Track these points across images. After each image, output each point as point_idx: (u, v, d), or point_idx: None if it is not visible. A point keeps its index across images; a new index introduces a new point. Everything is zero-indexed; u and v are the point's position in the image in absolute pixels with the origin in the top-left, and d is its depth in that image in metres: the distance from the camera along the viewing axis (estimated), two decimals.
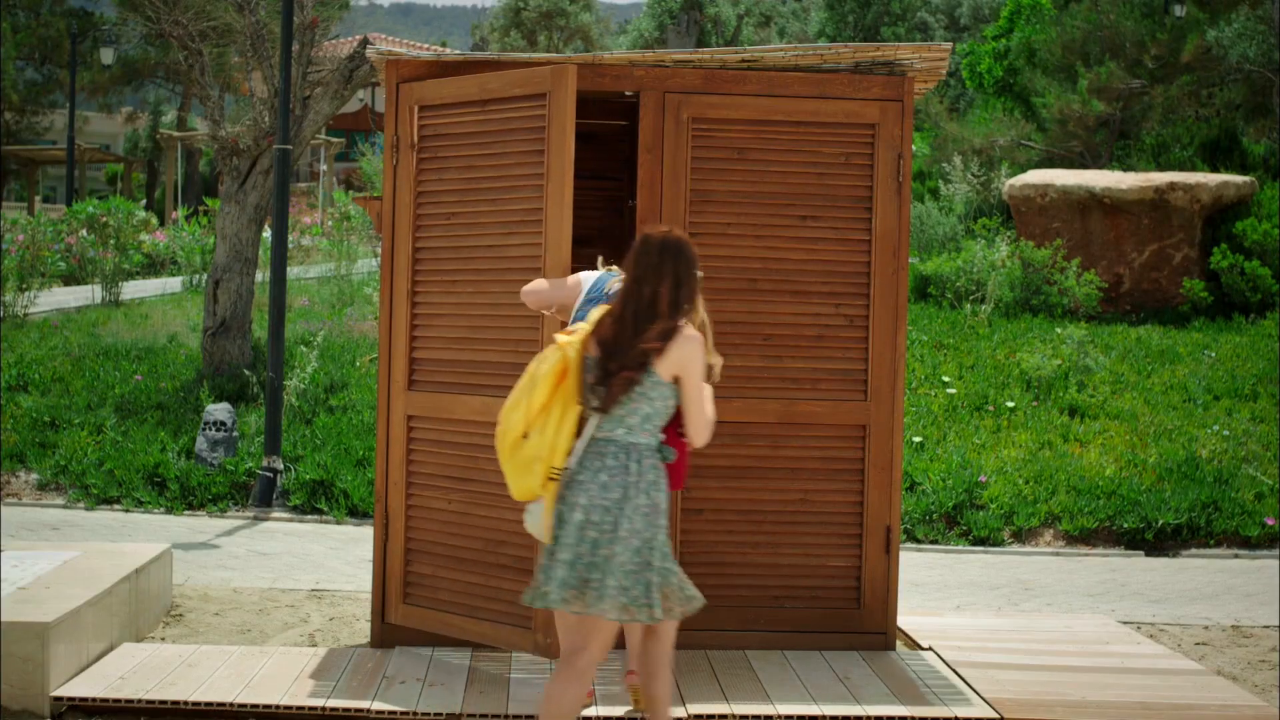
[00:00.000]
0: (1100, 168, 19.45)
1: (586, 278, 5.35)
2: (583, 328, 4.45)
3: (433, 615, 5.88)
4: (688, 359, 4.30)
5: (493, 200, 5.74)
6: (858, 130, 6.02)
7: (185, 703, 5.22)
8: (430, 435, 5.91)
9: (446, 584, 5.86)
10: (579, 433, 4.39)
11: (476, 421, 5.71)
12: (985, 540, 9.67)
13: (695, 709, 5.24)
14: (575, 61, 5.68)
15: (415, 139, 5.93)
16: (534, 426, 4.35)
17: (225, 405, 10.60)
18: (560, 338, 4.43)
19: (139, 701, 5.23)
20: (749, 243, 5.95)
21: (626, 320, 4.32)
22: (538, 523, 4.45)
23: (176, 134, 32.41)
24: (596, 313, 4.49)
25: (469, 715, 5.17)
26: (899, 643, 6.23)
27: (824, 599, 6.05)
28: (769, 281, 5.97)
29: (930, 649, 6.21)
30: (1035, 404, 11.77)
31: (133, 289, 17.97)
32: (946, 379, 12.38)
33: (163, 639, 6.39)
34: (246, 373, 11.83)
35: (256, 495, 10.02)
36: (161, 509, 9.94)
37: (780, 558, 6.02)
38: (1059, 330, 13.45)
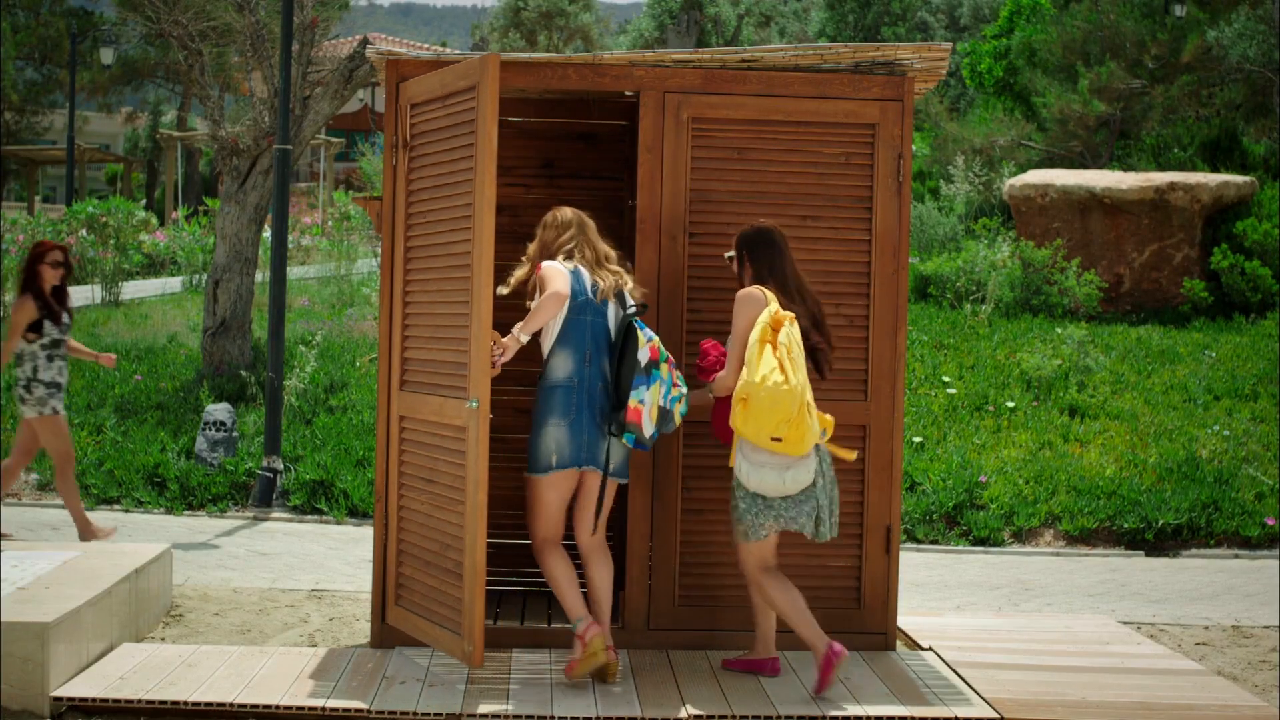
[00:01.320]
0: (1100, 168, 19.45)
1: (560, 277, 5.43)
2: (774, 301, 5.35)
3: (410, 618, 5.86)
4: None
5: (448, 197, 5.67)
6: (858, 130, 6.02)
7: (185, 703, 5.22)
8: (412, 436, 5.89)
9: (420, 586, 5.83)
10: None
11: (435, 422, 5.66)
12: (985, 540, 9.67)
13: (695, 710, 5.24)
14: (506, 59, 5.70)
15: (408, 137, 5.93)
16: (806, 385, 5.24)
17: (225, 405, 10.60)
18: (779, 310, 5.30)
19: (139, 702, 5.23)
20: None
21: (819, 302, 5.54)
22: (807, 470, 5.30)
23: (176, 134, 32.40)
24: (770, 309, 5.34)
25: (469, 715, 5.17)
26: (899, 643, 6.23)
27: (824, 599, 6.04)
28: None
29: (930, 649, 6.21)
30: (1035, 404, 11.77)
31: (133, 289, 17.98)
32: (946, 379, 12.38)
33: (163, 639, 6.39)
34: (243, 374, 11.83)
35: (256, 495, 10.01)
36: (161, 509, 9.94)
37: (780, 558, 6.02)
38: (1059, 330, 13.45)
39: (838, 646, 5.38)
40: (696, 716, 5.20)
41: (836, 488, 5.52)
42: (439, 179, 5.74)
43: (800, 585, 6.03)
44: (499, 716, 5.16)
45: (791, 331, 5.26)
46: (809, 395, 5.23)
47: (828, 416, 5.38)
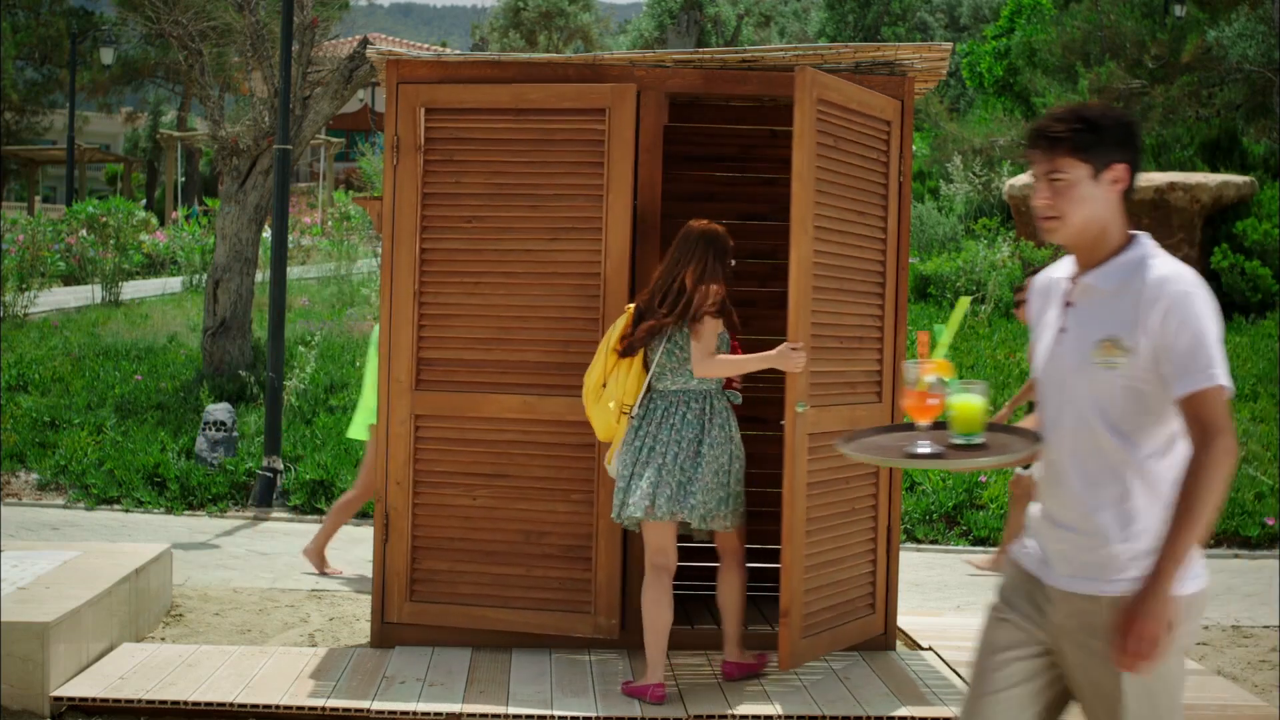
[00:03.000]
0: None
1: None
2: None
3: (454, 610, 5.92)
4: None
5: (532, 206, 5.84)
6: (878, 124, 5.89)
7: (185, 703, 5.22)
8: (445, 434, 5.93)
9: (470, 578, 5.91)
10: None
11: (514, 419, 5.84)
12: (985, 540, 9.66)
13: (696, 710, 5.24)
14: (637, 59, 5.87)
15: (421, 141, 5.92)
16: (610, 375, 5.39)
17: (225, 405, 10.60)
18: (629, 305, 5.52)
19: (139, 701, 5.23)
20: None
21: (655, 294, 5.41)
22: (616, 458, 5.40)
23: (176, 134, 32.41)
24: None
25: (469, 715, 5.17)
26: (899, 643, 6.23)
27: (837, 604, 6.00)
28: (832, 280, 5.68)
29: (930, 649, 6.21)
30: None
31: (133, 289, 17.97)
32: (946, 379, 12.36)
33: (163, 639, 6.39)
34: (243, 374, 11.83)
35: (256, 495, 10.01)
36: (161, 509, 9.93)
37: (823, 576, 5.70)
38: None
39: (661, 692, 5.26)
40: (697, 717, 5.20)
41: (694, 468, 5.26)
42: (507, 188, 5.86)
43: (814, 590, 5.95)
44: (499, 716, 5.16)
45: (618, 321, 5.48)
46: (604, 387, 5.38)
47: (613, 405, 5.43)
